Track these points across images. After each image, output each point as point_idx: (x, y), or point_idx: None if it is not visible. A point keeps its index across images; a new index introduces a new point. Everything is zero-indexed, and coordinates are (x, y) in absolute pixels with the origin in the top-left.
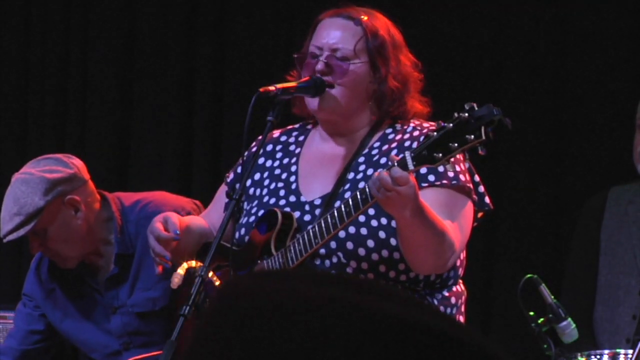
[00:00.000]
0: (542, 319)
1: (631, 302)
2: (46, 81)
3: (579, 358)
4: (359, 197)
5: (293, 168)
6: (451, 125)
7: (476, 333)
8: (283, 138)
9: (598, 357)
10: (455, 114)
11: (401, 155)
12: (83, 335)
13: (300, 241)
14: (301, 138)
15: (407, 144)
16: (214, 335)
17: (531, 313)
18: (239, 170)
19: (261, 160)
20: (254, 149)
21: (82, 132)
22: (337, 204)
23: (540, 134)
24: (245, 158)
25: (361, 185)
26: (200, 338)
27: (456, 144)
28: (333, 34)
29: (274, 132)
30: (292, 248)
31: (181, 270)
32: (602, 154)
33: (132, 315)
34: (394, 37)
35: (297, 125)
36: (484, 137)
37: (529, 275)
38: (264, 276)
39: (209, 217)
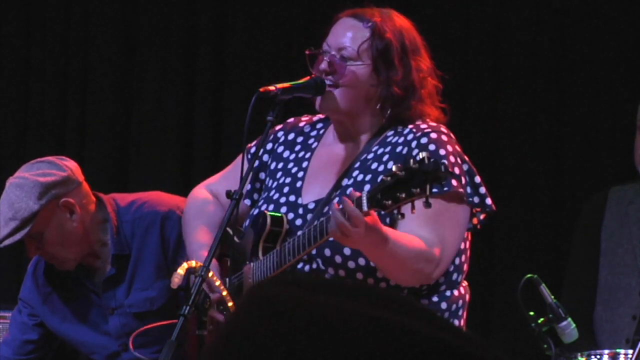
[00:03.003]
0: (542, 319)
1: (631, 303)
2: (46, 82)
3: (579, 358)
4: (324, 225)
5: (304, 164)
6: (403, 173)
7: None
8: (307, 129)
9: (598, 357)
10: (411, 161)
11: (360, 192)
12: (82, 338)
13: (278, 254)
14: (322, 131)
15: (398, 149)
16: (239, 343)
17: (531, 313)
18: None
19: (280, 149)
20: (258, 146)
21: (82, 133)
22: (315, 222)
23: (541, 134)
24: (251, 151)
25: (349, 191)
26: (223, 345)
27: (403, 195)
28: (342, 34)
29: (302, 119)
30: (270, 258)
31: (181, 270)
32: (602, 154)
33: (130, 316)
34: (404, 42)
35: (323, 116)
36: (427, 193)
37: (529, 275)
38: (292, 285)
39: (225, 182)
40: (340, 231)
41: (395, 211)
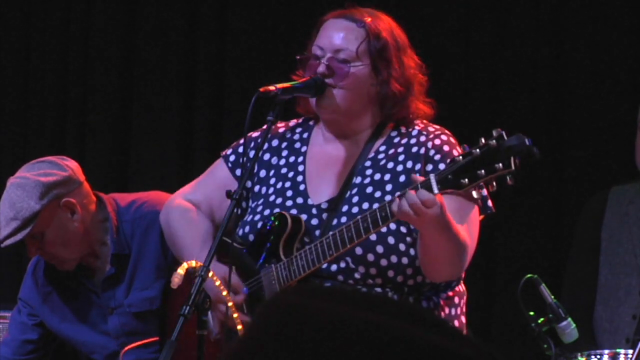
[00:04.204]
0: (542, 319)
1: (631, 302)
2: (46, 82)
3: (579, 358)
4: (378, 214)
5: (300, 167)
6: (478, 151)
7: None
8: (288, 134)
9: (598, 357)
10: (483, 140)
11: (423, 177)
12: (81, 337)
13: (313, 251)
14: (305, 135)
15: (414, 149)
16: (259, 349)
17: (531, 313)
18: (239, 150)
19: (266, 157)
20: (255, 143)
21: (82, 132)
22: (356, 212)
23: (541, 133)
24: (247, 143)
25: (369, 190)
26: (245, 350)
27: (483, 171)
28: (336, 36)
29: (278, 125)
30: (303, 256)
31: (181, 270)
32: (602, 154)
33: (129, 316)
34: (397, 40)
35: (300, 120)
36: (513, 168)
37: (529, 275)
38: (313, 294)
39: (204, 193)
40: (415, 213)
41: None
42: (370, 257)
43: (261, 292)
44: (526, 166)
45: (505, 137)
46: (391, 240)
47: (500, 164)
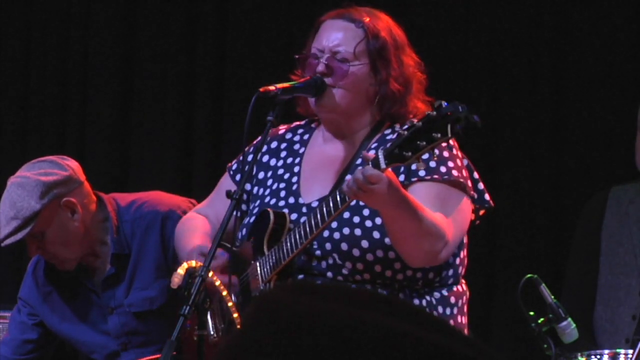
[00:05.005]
0: (542, 319)
1: (631, 303)
2: (46, 81)
3: (579, 358)
4: (338, 196)
5: (296, 169)
6: (420, 123)
7: None
8: (288, 135)
9: (598, 357)
10: (426, 112)
11: (374, 153)
12: (82, 337)
13: (288, 242)
14: (306, 137)
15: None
16: (250, 346)
17: (531, 313)
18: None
19: (265, 158)
20: (256, 147)
21: (82, 132)
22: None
23: (541, 133)
24: (246, 154)
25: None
26: (236, 347)
27: (424, 142)
28: (334, 36)
29: (280, 127)
30: (281, 248)
31: (181, 270)
32: (602, 154)
33: (130, 315)
34: (395, 39)
35: (302, 122)
36: (449, 135)
37: (529, 275)
38: (303, 291)
39: (213, 207)
40: (360, 190)
41: (415, 165)
42: (356, 252)
43: (248, 288)
44: (470, 133)
45: (443, 106)
46: (376, 234)
47: (439, 134)
